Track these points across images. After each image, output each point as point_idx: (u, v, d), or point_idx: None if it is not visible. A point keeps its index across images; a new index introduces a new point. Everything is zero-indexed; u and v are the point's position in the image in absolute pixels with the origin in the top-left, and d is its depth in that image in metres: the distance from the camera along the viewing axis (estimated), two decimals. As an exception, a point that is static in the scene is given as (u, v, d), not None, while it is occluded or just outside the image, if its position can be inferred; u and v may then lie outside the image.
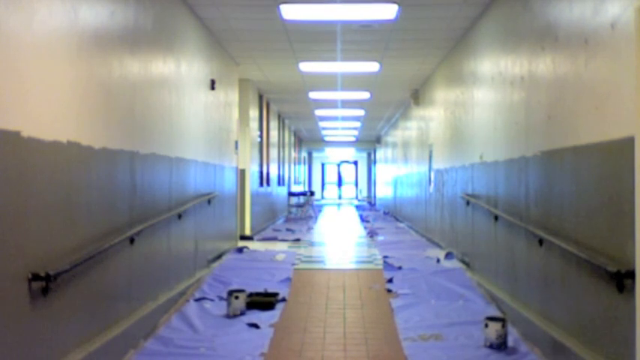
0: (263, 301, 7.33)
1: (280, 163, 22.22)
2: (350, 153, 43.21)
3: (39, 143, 4.07)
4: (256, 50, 11.56)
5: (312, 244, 14.40)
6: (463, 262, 9.88)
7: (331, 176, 46.72)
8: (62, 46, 4.46)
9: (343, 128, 27.90)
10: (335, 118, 23.74)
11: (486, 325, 5.69)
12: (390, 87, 15.74)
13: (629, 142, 4.05)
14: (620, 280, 4.18)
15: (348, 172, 46.47)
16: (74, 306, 4.63)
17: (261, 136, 16.70)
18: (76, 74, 4.68)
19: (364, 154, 43.20)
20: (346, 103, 19.20)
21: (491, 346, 5.65)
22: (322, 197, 44.61)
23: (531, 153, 6.28)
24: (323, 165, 46.40)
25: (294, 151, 29.44)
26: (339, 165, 46.27)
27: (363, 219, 22.71)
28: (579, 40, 5.00)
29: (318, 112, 21.39)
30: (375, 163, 36.88)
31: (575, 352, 4.88)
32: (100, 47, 5.19)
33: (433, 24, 9.56)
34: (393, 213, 24.02)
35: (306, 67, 12.96)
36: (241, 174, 13.97)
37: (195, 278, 8.48)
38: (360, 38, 10.48)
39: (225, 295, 7.24)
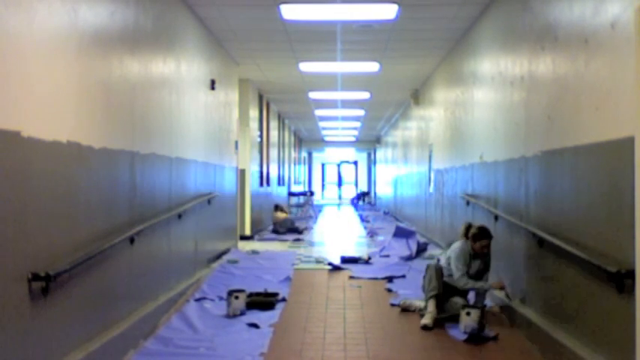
0: (263, 301, 7.33)
1: (280, 163, 22.21)
2: (350, 153, 43.19)
3: (39, 143, 4.07)
4: (256, 50, 11.56)
5: (312, 244, 14.40)
6: (463, 262, 9.86)
7: (331, 176, 46.68)
8: (62, 46, 4.46)
9: (343, 128, 27.90)
10: (335, 118, 23.74)
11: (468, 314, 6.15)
12: (390, 87, 15.74)
13: (629, 142, 4.05)
14: (620, 280, 4.17)
15: (348, 172, 46.44)
16: (74, 306, 4.62)
17: (261, 136, 16.70)
18: (76, 74, 4.68)
19: (364, 154, 43.18)
20: (346, 103, 19.20)
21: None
22: (322, 197, 44.59)
23: (531, 153, 6.28)
24: (323, 165, 46.36)
25: (294, 151, 29.43)
26: (339, 165, 46.24)
27: (362, 219, 22.70)
28: (579, 40, 5.00)
29: (318, 112, 21.39)
30: (375, 163, 36.87)
31: (575, 352, 4.89)
32: (100, 47, 5.19)
33: (433, 24, 9.55)
34: (393, 213, 24.01)
35: (306, 67, 12.96)
36: (241, 174, 13.97)
37: (195, 278, 8.48)
38: (360, 38, 10.48)
39: (225, 295, 7.24)
